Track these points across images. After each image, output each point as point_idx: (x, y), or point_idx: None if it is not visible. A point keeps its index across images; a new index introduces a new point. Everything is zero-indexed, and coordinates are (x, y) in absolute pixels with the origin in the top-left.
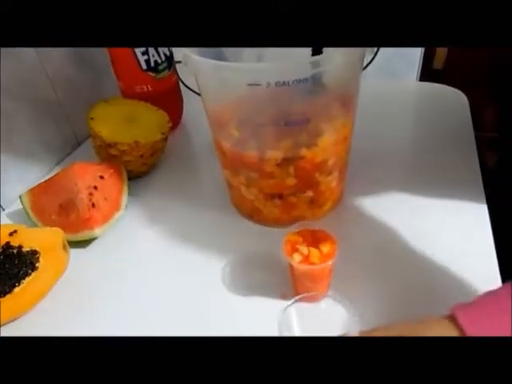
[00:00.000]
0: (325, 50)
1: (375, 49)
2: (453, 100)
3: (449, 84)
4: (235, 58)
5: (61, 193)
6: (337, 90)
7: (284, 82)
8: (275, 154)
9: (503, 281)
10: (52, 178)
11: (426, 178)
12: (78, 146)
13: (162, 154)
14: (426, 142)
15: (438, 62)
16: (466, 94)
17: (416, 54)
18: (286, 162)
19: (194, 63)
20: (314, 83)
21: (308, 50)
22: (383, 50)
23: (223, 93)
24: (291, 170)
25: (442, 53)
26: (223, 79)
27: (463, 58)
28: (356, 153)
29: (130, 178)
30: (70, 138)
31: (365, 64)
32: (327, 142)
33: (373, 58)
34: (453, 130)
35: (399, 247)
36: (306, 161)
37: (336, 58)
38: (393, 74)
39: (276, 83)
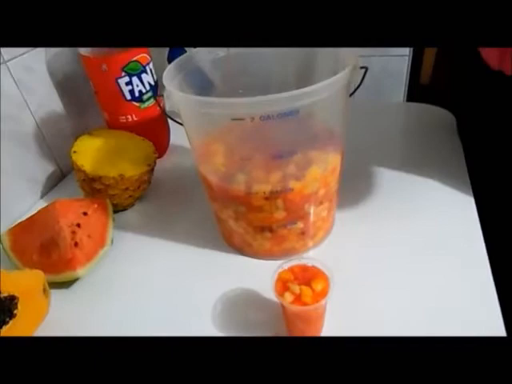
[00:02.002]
0: (309, 82)
1: (362, 73)
2: (440, 119)
3: (437, 99)
4: (222, 88)
5: (42, 232)
6: (323, 120)
7: (268, 116)
8: (263, 188)
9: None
10: (33, 216)
11: (417, 198)
12: (63, 178)
13: (149, 185)
14: (415, 161)
15: (425, 78)
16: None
17: (402, 71)
18: (274, 195)
19: (177, 99)
20: (300, 116)
21: (292, 83)
22: (370, 66)
23: (207, 128)
24: (280, 203)
25: (427, 67)
26: (206, 114)
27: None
28: (345, 174)
29: (115, 211)
30: (55, 171)
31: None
32: (316, 174)
33: (360, 83)
34: (442, 150)
35: (394, 274)
36: (295, 193)
37: (321, 89)
38: (380, 92)
39: (260, 117)
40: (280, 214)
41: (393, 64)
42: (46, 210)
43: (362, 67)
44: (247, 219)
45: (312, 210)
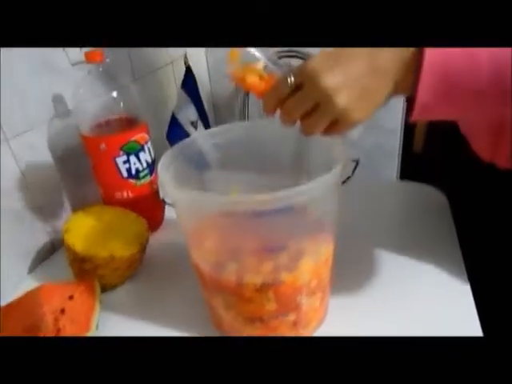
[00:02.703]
0: (300, 180)
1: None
2: (433, 200)
3: (430, 167)
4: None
5: (25, 317)
6: (316, 213)
7: (260, 213)
8: (254, 279)
9: None
10: (17, 300)
11: (411, 283)
12: (53, 252)
13: (141, 263)
14: (409, 244)
15: (417, 146)
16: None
17: (395, 143)
18: (265, 288)
19: (170, 193)
20: (293, 211)
21: (287, 181)
22: (362, 140)
23: (198, 219)
24: (271, 294)
25: (419, 136)
26: (198, 208)
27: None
28: (337, 257)
29: (104, 290)
30: (46, 245)
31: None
32: (308, 266)
33: (352, 174)
34: (435, 232)
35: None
36: (286, 285)
37: (315, 187)
38: (373, 166)
39: (252, 213)
40: (271, 306)
41: (385, 138)
42: (31, 295)
43: (353, 160)
44: (237, 309)
45: (304, 301)
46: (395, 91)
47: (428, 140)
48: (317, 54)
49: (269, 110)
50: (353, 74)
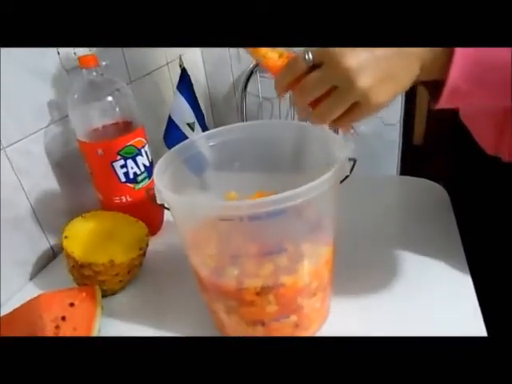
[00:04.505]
0: (298, 183)
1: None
2: (434, 194)
3: (431, 160)
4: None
5: (24, 327)
6: (314, 215)
7: (257, 216)
8: (254, 283)
9: None
10: (16, 309)
11: (414, 279)
12: (54, 258)
13: (141, 267)
14: (411, 240)
15: (418, 138)
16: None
17: (395, 137)
18: (265, 291)
19: (166, 199)
20: (290, 214)
21: (286, 182)
22: (362, 134)
23: (195, 225)
24: (271, 297)
25: (420, 128)
26: (195, 214)
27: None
28: (338, 255)
29: (104, 296)
30: (46, 251)
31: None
32: (308, 268)
33: (351, 171)
34: (437, 227)
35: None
36: (286, 288)
37: (311, 189)
38: (373, 157)
39: (249, 218)
40: (272, 309)
41: (385, 131)
42: (30, 304)
43: (350, 159)
44: (238, 313)
45: (305, 303)
46: (421, 74)
47: (428, 132)
48: None
49: (280, 89)
50: (378, 54)
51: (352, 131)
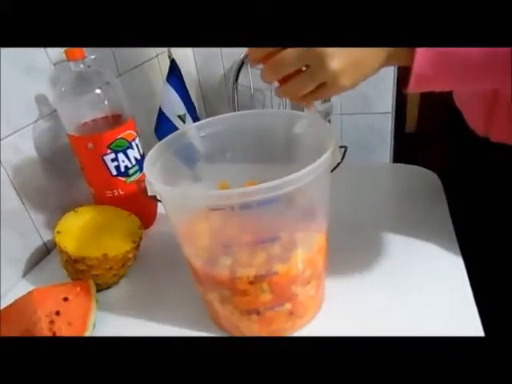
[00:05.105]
0: (291, 173)
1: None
2: (426, 181)
3: (423, 148)
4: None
5: (18, 323)
6: (306, 203)
7: (248, 205)
8: (247, 272)
9: None
10: (10, 305)
11: (408, 265)
12: (47, 254)
13: (135, 260)
14: (405, 226)
15: (410, 126)
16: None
17: (387, 125)
18: (259, 279)
19: (157, 190)
20: (281, 202)
21: (278, 171)
22: (354, 123)
23: (187, 216)
24: (265, 286)
25: (413, 116)
26: (186, 205)
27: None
28: (332, 241)
29: (99, 290)
30: (39, 247)
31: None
32: (301, 256)
33: (341, 161)
34: (430, 213)
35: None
36: (280, 276)
37: (302, 177)
38: (366, 146)
39: (240, 207)
40: (266, 297)
41: (377, 120)
42: (24, 299)
43: (341, 146)
44: (233, 303)
45: (299, 291)
46: (387, 62)
47: (421, 121)
48: None
49: (252, 61)
50: None
51: (313, 107)
